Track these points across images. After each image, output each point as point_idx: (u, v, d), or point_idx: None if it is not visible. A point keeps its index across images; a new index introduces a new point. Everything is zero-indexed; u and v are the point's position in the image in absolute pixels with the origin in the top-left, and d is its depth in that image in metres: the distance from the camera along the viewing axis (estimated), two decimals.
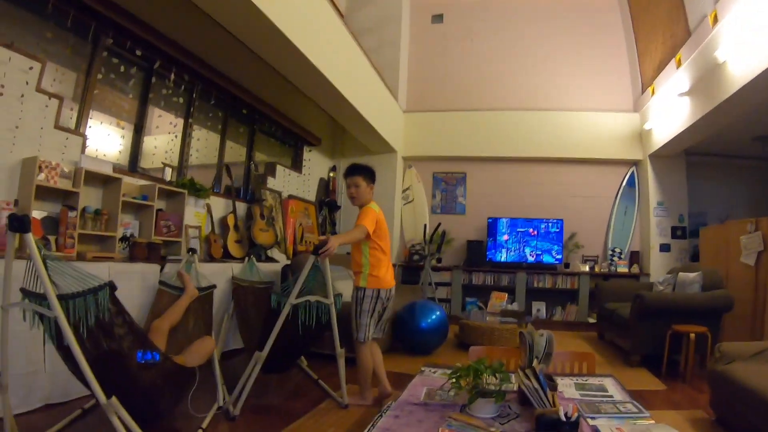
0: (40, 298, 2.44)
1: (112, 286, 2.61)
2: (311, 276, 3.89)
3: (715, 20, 5.98)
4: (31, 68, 4.07)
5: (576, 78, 9.48)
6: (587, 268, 8.90)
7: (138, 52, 5.17)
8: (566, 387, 2.65)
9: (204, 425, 3.40)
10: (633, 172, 9.16)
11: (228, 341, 5.24)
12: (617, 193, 9.21)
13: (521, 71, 9.72)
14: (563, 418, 1.98)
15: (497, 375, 2.32)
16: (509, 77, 9.74)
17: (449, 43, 10.18)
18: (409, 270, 9.53)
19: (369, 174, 4.34)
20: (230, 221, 6.45)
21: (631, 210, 9.14)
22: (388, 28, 9.80)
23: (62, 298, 2.42)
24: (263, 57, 5.79)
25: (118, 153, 5.38)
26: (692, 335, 5.03)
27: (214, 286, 4.53)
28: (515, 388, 2.43)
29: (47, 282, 2.36)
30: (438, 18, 10.34)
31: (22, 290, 2.52)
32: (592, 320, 8.37)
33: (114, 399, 2.48)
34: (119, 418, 2.50)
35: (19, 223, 2.34)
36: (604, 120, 9.14)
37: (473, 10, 10.14)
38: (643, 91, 8.81)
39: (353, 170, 4.30)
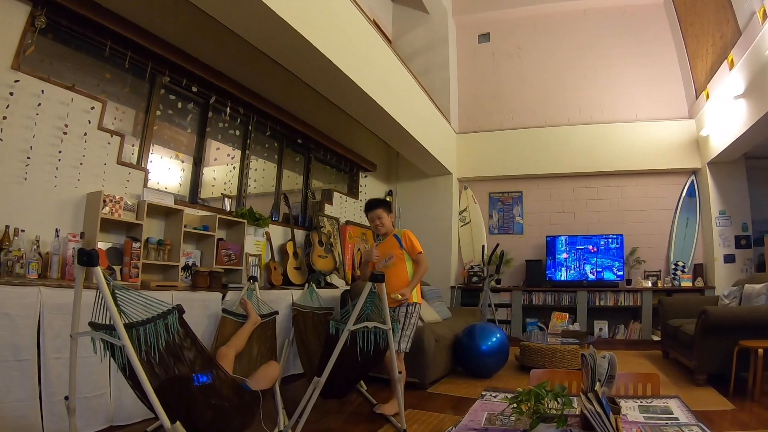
0: (110, 329, 2.46)
1: (180, 310, 2.64)
2: (369, 302, 3.82)
3: (765, 17, 5.66)
4: (92, 108, 4.23)
5: (628, 88, 9.14)
6: (650, 284, 8.45)
7: (194, 89, 5.28)
8: (630, 410, 2.50)
9: None
10: (692, 182, 8.68)
11: (288, 366, 5.21)
12: (677, 204, 8.73)
13: (572, 85, 9.48)
14: None
15: (559, 399, 2.20)
16: (560, 92, 9.51)
17: (498, 62, 10.05)
18: (468, 292, 9.31)
19: (387, 205, 4.69)
20: (289, 249, 6.46)
21: (693, 221, 8.63)
22: (435, 51, 9.75)
23: (131, 326, 2.45)
24: (316, 87, 5.87)
25: (178, 185, 5.49)
26: (760, 351, 4.66)
27: (276, 313, 4.61)
28: (577, 412, 2.31)
29: (115, 313, 2.39)
30: (485, 37, 10.23)
31: (91, 324, 2.54)
32: (656, 338, 7.91)
33: (178, 424, 2.47)
34: None
35: (87, 257, 2.38)
36: (660, 129, 8.74)
37: (519, 27, 9.99)
38: (697, 96, 8.39)
39: (374, 205, 4.59)
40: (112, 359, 2.58)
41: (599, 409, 2.09)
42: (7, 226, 3.52)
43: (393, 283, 4.26)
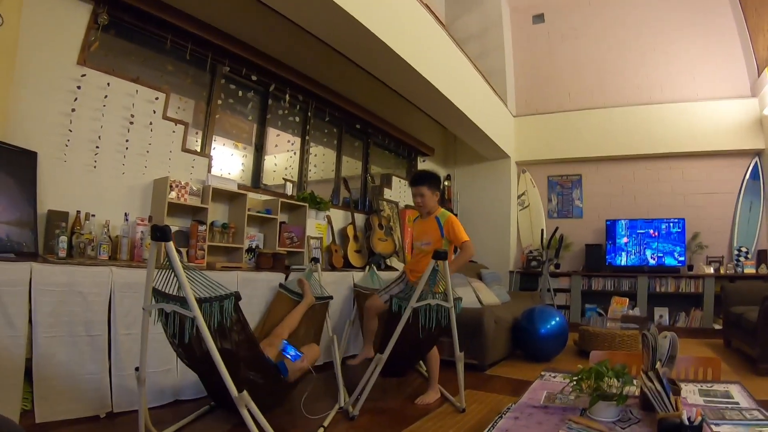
0: (176, 301, 2.56)
1: (237, 296, 2.71)
2: (431, 280, 3.77)
3: None
4: (156, 98, 4.34)
5: (687, 66, 8.56)
6: (712, 270, 7.99)
7: (253, 77, 5.31)
8: (689, 393, 2.46)
9: (325, 424, 3.42)
10: (756, 163, 8.09)
11: (349, 347, 5.23)
12: (741, 187, 8.16)
13: (630, 65, 8.98)
14: (686, 422, 1.85)
15: (619, 378, 2.18)
16: (618, 72, 9.04)
17: (553, 43, 9.65)
18: (527, 276, 9.09)
19: (434, 182, 4.28)
20: (350, 232, 6.48)
21: (757, 205, 8.04)
22: (490, 33, 9.46)
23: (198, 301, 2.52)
24: (373, 73, 5.84)
25: (241, 171, 5.57)
26: None
27: (331, 298, 4.61)
28: (637, 393, 2.29)
29: (187, 285, 2.47)
30: (539, 18, 9.82)
31: (157, 292, 2.66)
32: (717, 326, 7.50)
33: (245, 393, 2.57)
34: (249, 410, 2.58)
35: (161, 232, 2.47)
36: (721, 108, 8.16)
37: (574, 7, 9.53)
38: (760, 73, 7.81)
39: (417, 180, 4.25)
40: (172, 340, 2.73)
41: (659, 388, 2.08)
42: (78, 211, 3.64)
43: (424, 266, 4.03)
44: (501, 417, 2.24)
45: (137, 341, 3.33)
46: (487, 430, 2.09)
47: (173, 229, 4.26)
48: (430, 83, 5.79)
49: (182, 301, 2.52)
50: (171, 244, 2.46)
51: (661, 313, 8.16)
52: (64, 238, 3.40)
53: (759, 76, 7.86)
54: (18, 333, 2.86)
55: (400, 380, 4.59)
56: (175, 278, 2.53)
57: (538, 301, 7.53)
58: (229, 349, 2.73)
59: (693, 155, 8.44)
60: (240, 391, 2.57)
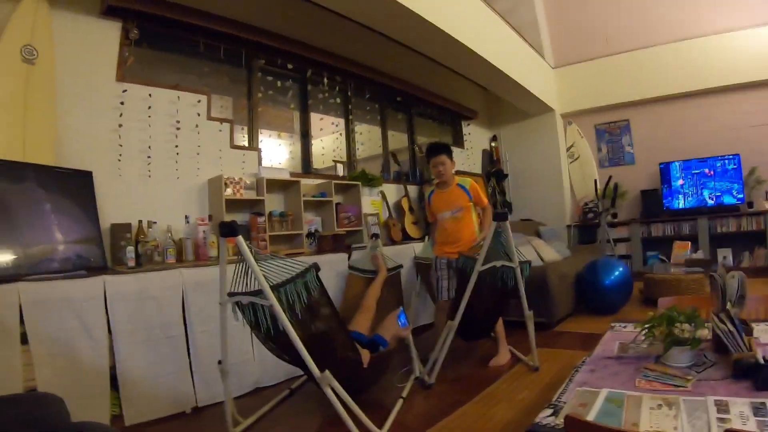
0: (253, 294, 2.59)
1: (316, 267, 2.72)
2: (495, 242, 3.71)
3: None
4: (198, 101, 4.37)
5: None
6: None
7: (289, 66, 5.26)
8: (762, 332, 2.35)
9: (404, 395, 3.45)
10: None
11: (417, 318, 5.23)
12: None
13: None
14: (761, 362, 1.83)
15: (691, 322, 2.15)
16: (656, 7, 8.36)
17: None
18: (585, 229, 8.78)
19: (450, 151, 4.28)
20: (404, 205, 6.44)
21: None
22: None
23: (275, 288, 2.54)
24: (407, 44, 5.72)
25: (290, 160, 5.57)
26: None
27: (401, 266, 4.62)
28: (709, 337, 2.25)
29: (260, 275, 2.49)
30: None
31: (230, 294, 2.69)
32: None
33: (327, 372, 2.57)
34: (332, 389, 2.58)
35: (229, 229, 2.52)
36: (765, 34, 7.53)
37: None
38: None
39: (437, 150, 4.19)
40: (252, 327, 2.77)
41: (732, 329, 2.06)
42: (140, 221, 3.68)
43: (464, 234, 4.13)
44: (577, 371, 2.24)
45: (213, 336, 3.43)
46: (564, 384, 2.08)
47: None
48: (465, 46, 5.61)
49: (257, 293, 2.56)
50: (240, 238, 2.50)
51: (725, 254, 7.75)
52: (131, 249, 3.46)
53: None
54: (99, 344, 2.96)
55: (471, 345, 4.56)
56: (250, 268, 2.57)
57: (598, 253, 7.31)
58: (323, 331, 2.77)
59: (741, 87, 7.81)
60: (322, 370, 2.57)
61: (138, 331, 3.15)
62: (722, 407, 1.67)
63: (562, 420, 1.62)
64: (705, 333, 2.22)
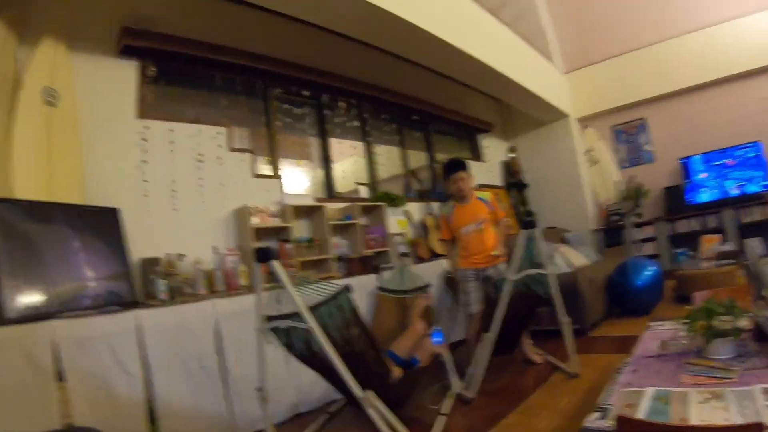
0: (290, 317, 2.58)
1: (348, 288, 2.73)
2: (527, 251, 3.67)
3: None
4: (218, 133, 4.39)
5: None
6: None
7: (305, 93, 5.29)
8: None
9: (446, 411, 3.39)
10: None
11: (450, 334, 5.14)
12: None
13: None
14: None
15: (731, 313, 2.13)
16: (660, 2, 8.22)
17: None
18: (610, 232, 8.57)
19: (467, 165, 4.32)
20: (429, 222, 6.38)
21: None
22: None
23: (311, 309, 2.55)
24: (420, 62, 5.77)
25: (312, 185, 5.56)
26: None
27: (428, 285, 4.54)
28: (749, 327, 2.22)
29: (297, 297, 2.50)
30: None
31: (271, 317, 2.69)
32: None
33: (370, 392, 2.55)
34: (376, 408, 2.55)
35: (265, 254, 2.51)
36: None
37: None
38: None
39: (457, 166, 4.23)
40: (287, 349, 2.78)
41: None
42: (168, 254, 3.67)
43: (488, 244, 4.12)
44: (619, 372, 2.21)
45: (248, 365, 3.39)
46: (608, 386, 2.06)
47: None
48: (476, 59, 5.57)
49: (293, 316, 2.56)
50: (276, 262, 2.50)
51: (754, 244, 7.53)
52: (162, 282, 3.44)
53: None
54: (134, 378, 2.92)
55: (507, 358, 4.44)
56: (285, 293, 2.57)
57: (626, 255, 7.17)
58: (355, 349, 2.74)
59: (754, 73, 7.61)
60: (365, 390, 2.54)
61: (174, 363, 3.11)
62: None
63: (612, 422, 1.65)
64: (745, 323, 2.18)
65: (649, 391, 1.90)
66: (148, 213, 3.76)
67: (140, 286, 3.53)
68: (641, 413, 1.71)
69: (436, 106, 7.20)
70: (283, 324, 2.59)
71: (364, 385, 2.57)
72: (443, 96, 7.38)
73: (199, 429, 3.19)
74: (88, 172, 3.46)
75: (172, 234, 3.86)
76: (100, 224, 3.34)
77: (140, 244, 3.61)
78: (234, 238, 4.31)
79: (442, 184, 7.02)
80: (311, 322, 2.46)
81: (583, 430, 1.75)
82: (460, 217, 4.20)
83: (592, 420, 1.77)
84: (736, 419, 1.58)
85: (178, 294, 3.55)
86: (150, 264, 3.56)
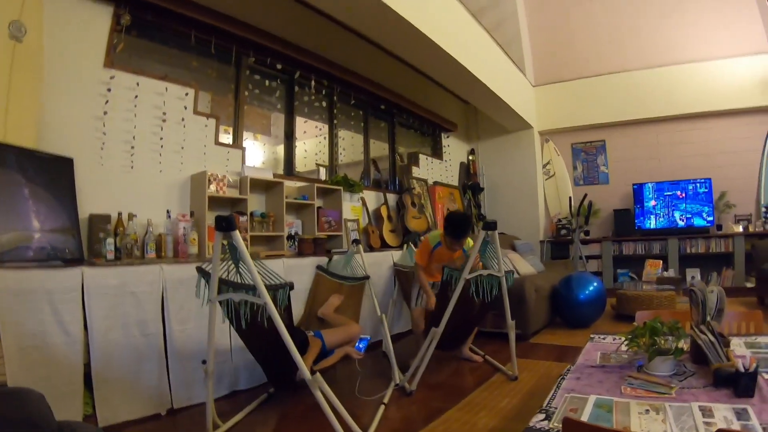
0: (246, 290, 2.56)
1: (291, 286, 2.73)
2: (482, 251, 3.74)
3: None
4: (186, 94, 4.19)
5: (705, 25, 7.98)
6: (740, 229, 7.68)
7: (278, 66, 5.14)
8: (736, 346, 2.46)
9: (385, 401, 3.43)
10: None
11: (393, 325, 5.17)
12: (765, 144, 7.76)
13: (647, 26, 8.42)
14: (741, 370, 1.91)
15: (674, 333, 2.28)
16: (634, 35, 8.53)
17: (568, 7, 9.05)
18: (558, 245, 8.87)
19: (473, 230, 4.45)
20: (383, 212, 6.36)
21: None
22: (503, 3, 8.80)
23: (269, 288, 2.54)
24: (395, 51, 5.74)
25: (273, 160, 5.48)
26: None
27: (367, 277, 4.59)
28: (686, 348, 2.36)
29: (256, 273, 2.46)
30: None
31: (223, 281, 2.65)
32: (750, 285, 7.24)
33: (318, 375, 2.53)
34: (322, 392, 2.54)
35: (227, 222, 2.45)
36: (741, 65, 7.74)
37: None
38: None
39: (466, 232, 4.14)
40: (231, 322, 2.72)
41: (713, 339, 2.18)
42: (120, 213, 3.52)
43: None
44: (563, 378, 2.29)
45: (192, 337, 3.33)
46: (552, 390, 2.13)
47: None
48: (451, 56, 5.57)
49: (247, 289, 2.54)
50: (237, 233, 2.44)
51: (693, 274, 7.87)
52: (111, 241, 3.29)
53: None
54: (74, 339, 2.79)
55: (447, 356, 4.52)
56: (233, 269, 2.58)
57: (571, 269, 7.36)
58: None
59: (715, 114, 8.07)
60: (283, 370, 2.61)
61: (116, 327, 2.99)
62: (707, 412, 1.79)
63: (556, 424, 1.77)
64: (685, 344, 2.33)
65: (592, 399, 2.00)
66: (103, 168, 3.56)
67: (86, 243, 3.34)
68: (585, 418, 1.79)
69: (405, 99, 7.16)
70: (237, 297, 2.53)
71: (286, 373, 2.60)
72: (413, 90, 7.37)
73: (136, 399, 3.09)
74: (44, 116, 3.25)
75: (125, 193, 3.67)
76: (52, 173, 3.13)
77: (91, 200, 3.44)
78: (188, 204, 4.15)
79: (401, 176, 7.05)
80: (267, 298, 2.42)
81: (528, 430, 1.78)
82: (440, 257, 4.30)
83: (536, 421, 1.83)
84: (675, 430, 1.68)
85: (126, 255, 3.40)
86: (99, 221, 3.38)
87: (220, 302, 2.62)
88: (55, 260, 2.96)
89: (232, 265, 2.63)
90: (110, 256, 3.27)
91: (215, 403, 3.23)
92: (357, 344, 3.70)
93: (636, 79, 8.47)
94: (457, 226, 4.08)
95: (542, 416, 1.87)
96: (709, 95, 7.93)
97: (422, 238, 4.64)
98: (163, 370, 3.23)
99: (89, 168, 3.46)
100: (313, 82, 5.54)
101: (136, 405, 3.09)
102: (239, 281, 2.62)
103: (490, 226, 3.61)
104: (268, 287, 2.54)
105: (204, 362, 2.76)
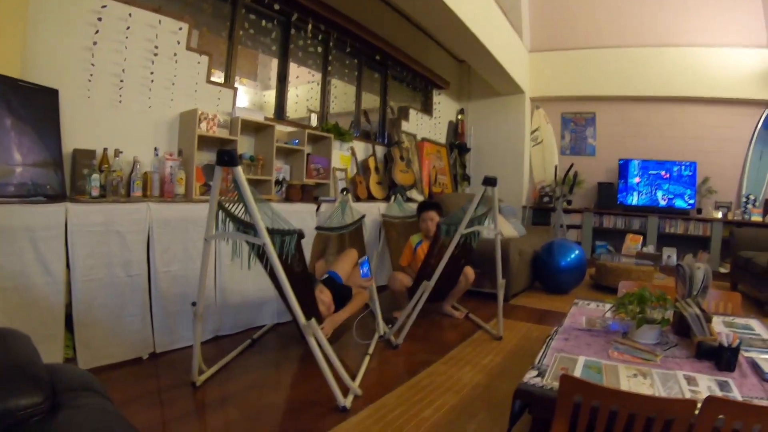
0: (245, 230, 2.47)
1: (300, 234, 2.56)
2: (480, 207, 3.75)
3: None
4: (180, 29, 3.96)
5: (706, 12, 7.96)
6: (720, 215, 7.88)
7: (276, 7, 4.94)
8: (715, 324, 2.55)
9: (370, 351, 3.47)
10: None
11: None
12: (752, 136, 7.89)
13: (649, 4, 8.29)
14: (725, 344, 2.04)
15: (662, 303, 2.37)
16: (635, 13, 8.40)
17: None
18: (539, 212, 8.99)
19: (440, 208, 4.62)
20: (371, 164, 6.28)
21: (767, 154, 7.85)
22: None
23: (269, 232, 2.42)
24: (394, 3, 5.61)
25: (263, 103, 5.34)
26: None
27: (363, 216, 4.63)
28: (672, 321, 2.48)
29: (256, 212, 2.35)
30: None
31: (224, 209, 2.57)
32: (723, 270, 7.43)
33: (313, 321, 2.49)
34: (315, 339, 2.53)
35: (228, 156, 2.32)
36: (737, 56, 7.77)
37: None
38: None
39: (430, 206, 4.55)
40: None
41: (699, 312, 2.32)
42: (105, 149, 3.36)
43: None
44: (551, 338, 2.40)
45: (177, 279, 3.26)
46: (542, 350, 2.22)
47: (202, 163, 4.03)
48: (452, 11, 5.38)
49: (247, 227, 2.44)
50: (240, 168, 2.30)
51: (669, 253, 8.10)
52: (96, 176, 3.13)
53: None
54: (56, 279, 2.68)
55: (431, 311, 4.56)
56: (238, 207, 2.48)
57: (552, 236, 7.39)
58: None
59: (707, 101, 8.11)
60: (308, 318, 2.47)
61: (99, 267, 2.89)
62: (691, 381, 1.91)
63: (550, 380, 1.87)
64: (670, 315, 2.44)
65: (582, 360, 2.11)
66: (89, 101, 3.36)
67: (70, 180, 3.21)
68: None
69: (401, 52, 6.94)
70: (234, 236, 2.45)
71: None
72: (410, 44, 7.19)
73: (118, 342, 3.01)
74: (30, 45, 3.04)
75: (112, 128, 3.49)
76: (36, 105, 2.96)
77: (75, 134, 3.26)
78: (176, 143, 3.99)
79: (390, 130, 6.94)
80: (267, 239, 2.32)
81: (522, 385, 1.85)
82: (422, 254, 4.30)
83: (530, 377, 1.91)
84: (663, 393, 1.79)
85: (111, 192, 3.24)
86: (84, 156, 3.22)
87: (248, 242, 2.52)
88: (37, 196, 2.82)
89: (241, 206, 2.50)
90: (95, 192, 3.13)
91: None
92: (362, 269, 3.73)
93: (632, 55, 8.42)
94: (425, 203, 4.60)
95: (535, 373, 1.96)
96: (703, 81, 7.96)
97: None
98: (147, 312, 3.16)
99: (75, 101, 3.27)
100: (310, 26, 5.32)
101: (118, 348, 3.02)
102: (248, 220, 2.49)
103: (491, 181, 3.60)
104: (274, 231, 2.44)
105: (194, 304, 2.70)
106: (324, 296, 3.29)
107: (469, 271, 4.39)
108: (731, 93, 7.87)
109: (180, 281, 3.30)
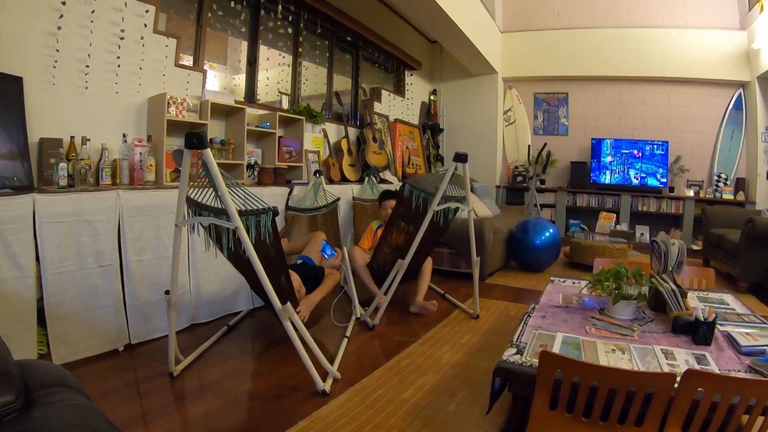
0: (215, 214, 2.40)
1: (275, 212, 2.52)
2: (450, 183, 3.75)
3: None
4: (147, 11, 3.88)
5: None
6: (692, 193, 8.06)
7: None
8: (690, 299, 2.65)
9: (348, 334, 3.51)
10: (740, 95, 7.95)
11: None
12: (724, 116, 8.06)
13: None
14: (701, 319, 2.08)
15: (637, 278, 2.41)
16: None
17: None
18: (513, 192, 9.08)
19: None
20: (344, 146, 6.26)
21: (738, 134, 7.98)
22: None
23: (241, 214, 2.37)
24: None
25: (234, 87, 5.26)
26: None
27: (338, 199, 4.72)
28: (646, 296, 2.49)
29: (227, 194, 2.29)
30: None
31: (191, 200, 2.50)
32: (696, 247, 7.60)
33: (288, 305, 2.48)
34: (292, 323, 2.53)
35: (197, 139, 2.25)
36: (710, 38, 7.91)
37: None
38: (750, 7, 7.55)
39: (391, 195, 4.61)
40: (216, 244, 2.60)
41: (674, 288, 2.36)
42: (72, 137, 3.29)
43: None
44: (528, 316, 2.43)
45: (150, 268, 3.22)
46: (520, 327, 2.24)
47: (171, 148, 3.97)
48: None
49: (217, 213, 2.38)
50: (209, 151, 2.25)
51: (642, 231, 8.25)
52: (63, 165, 3.07)
53: (749, 10, 7.65)
54: (26, 273, 2.63)
55: (407, 291, 4.56)
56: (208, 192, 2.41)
57: (526, 215, 7.48)
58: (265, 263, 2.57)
59: (679, 81, 8.26)
60: (283, 303, 2.46)
61: (69, 258, 2.84)
62: (669, 355, 1.96)
63: (529, 358, 1.90)
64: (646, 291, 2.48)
65: (560, 336, 2.16)
66: (55, 88, 3.28)
67: (37, 170, 3.13)
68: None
69: (372, 32, 6.89)
70: (205, 221, 2.40)
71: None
72: (380, 24, 7.15)
73: (92, 335, 2.98)
74: None
75: (79, 115, 3.41)
76: (0, 93, 2.89)
77: (41, 122, 3.18)
78: (145, 128, 3.93)
79: (362, 111, 6.91)
80: (238, 222, 2.29)
81: (502, 363, 1.87)
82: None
83: (509, 355, 1.94)
84: (642, 368, 1.82)
85: (80, 181, 3.19)
86: (50, 145, 3.14)
87: (204, 227, 2.48)
88: (3, 188, 2.76)
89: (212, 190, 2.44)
90: (63, 182, 3.07)
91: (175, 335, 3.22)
92: (324, 254, 3.76)
93: (605, 36, 8.50)
94: (386, 192, 4.71)
95: (514, 350, 1.99)
96: (676, 62, 8.11)
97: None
98: (120, 303, 3.12)
99: (40, 88, 3.19)
100: (280, 7, 5.22)
101: (93, 341, 2.99)
102: (217, 205, 2.44)
103: (461, 158, 3.60)
104: (248, 212, 2.41)
105: (167, 292, 2.67)
106: (292, 279, 3.30)
107: (428, 263, 4.43)
108: (703, 74, 8.01)
109: (153, 270, 3.27)
